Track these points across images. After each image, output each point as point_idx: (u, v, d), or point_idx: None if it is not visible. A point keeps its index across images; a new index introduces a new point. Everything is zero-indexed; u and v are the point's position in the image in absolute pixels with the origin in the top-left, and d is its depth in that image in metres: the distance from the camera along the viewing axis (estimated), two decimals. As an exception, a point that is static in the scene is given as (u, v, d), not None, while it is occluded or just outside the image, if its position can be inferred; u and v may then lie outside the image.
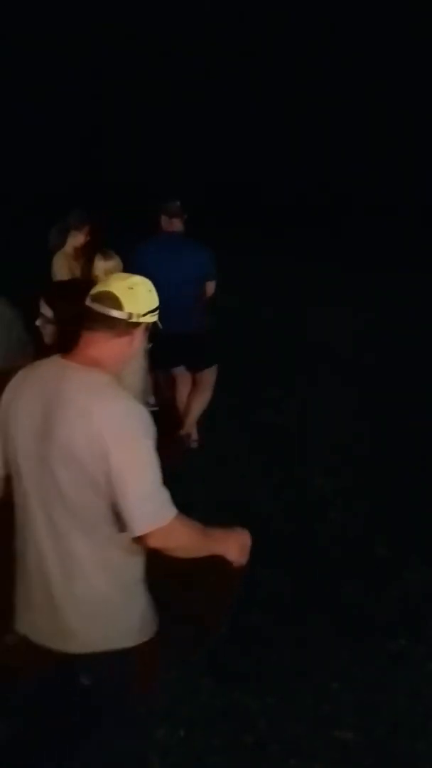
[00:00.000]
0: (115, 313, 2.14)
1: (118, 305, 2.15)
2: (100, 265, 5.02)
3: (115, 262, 4.85)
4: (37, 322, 2.84)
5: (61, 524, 2.14)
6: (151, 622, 2.32)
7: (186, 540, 2.17)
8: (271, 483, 5.09)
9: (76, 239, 5.36)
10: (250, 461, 5.44)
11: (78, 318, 2.23)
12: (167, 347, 4.23)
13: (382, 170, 14.85)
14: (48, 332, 2.81)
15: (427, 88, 14.98)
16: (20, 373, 2.29)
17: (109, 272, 5.05)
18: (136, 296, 2.18)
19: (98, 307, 2.15)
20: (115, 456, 2.03)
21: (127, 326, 2.16)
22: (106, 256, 4.87)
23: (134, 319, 2.17)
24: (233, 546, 2.34)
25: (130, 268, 4.76)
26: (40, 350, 3.00)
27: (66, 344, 2.29)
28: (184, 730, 3.03)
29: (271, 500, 4.86)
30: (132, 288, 2.18)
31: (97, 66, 16.09)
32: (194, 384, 5.61)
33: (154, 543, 2.10)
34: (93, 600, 2.18)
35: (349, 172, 15.10)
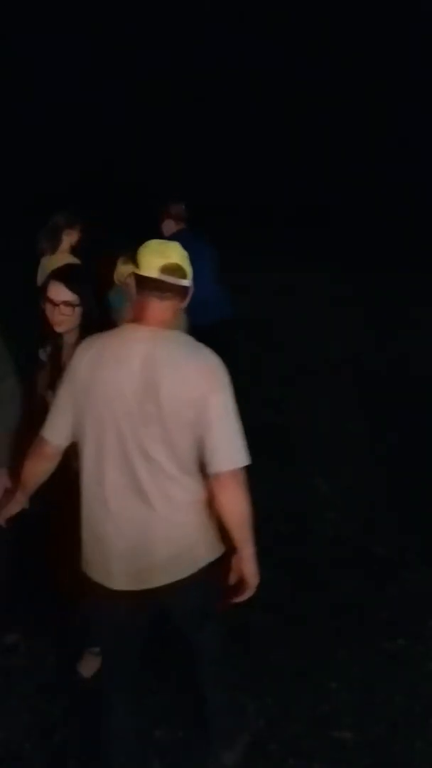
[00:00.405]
0: (184, 282, 2.48)
1: (184, 275, 2.47)
2: (124, 269, 5.12)
3: None
4: (51, 311, 2.96)
5: (163, 471, 2.40)
6: (218, 546, 2.61)
7: (245, 501, 2.52)
8: (270, 483, 5.09)
9: (72, 237, 5.31)
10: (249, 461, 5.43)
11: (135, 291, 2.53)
12: None
13: (382, 170, 14.84)
14: (75, 315, 2.96)
15: (428, 87, 14.98)
16: (91, 346, 2.50)
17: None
18: (189, 264, 2.51)
19: (171, 279, 2.45)
20: (212, 400, 2.37)
21: (187, 291, 2.51)
22: (127, 260, 5.01)
23: (190, 284, 2.51)
24: (252, 565, 2.59)
25: None
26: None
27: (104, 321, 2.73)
28: (183, 730, 3.03)
29: (270, 500, 4.85)
30: (186, 257, 2.50)
31: (97, 65, 16.10)
32: None
33: (227, 484, 2.43)
34: (183, 534, 2.48)
35: (349, 172, 15.10)
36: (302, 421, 6.15)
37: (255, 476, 5.36)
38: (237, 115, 15.94)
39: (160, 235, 5.40)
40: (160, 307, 2.47)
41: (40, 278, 5.14)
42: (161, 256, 2.47)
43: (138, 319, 2.50)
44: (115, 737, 2.69)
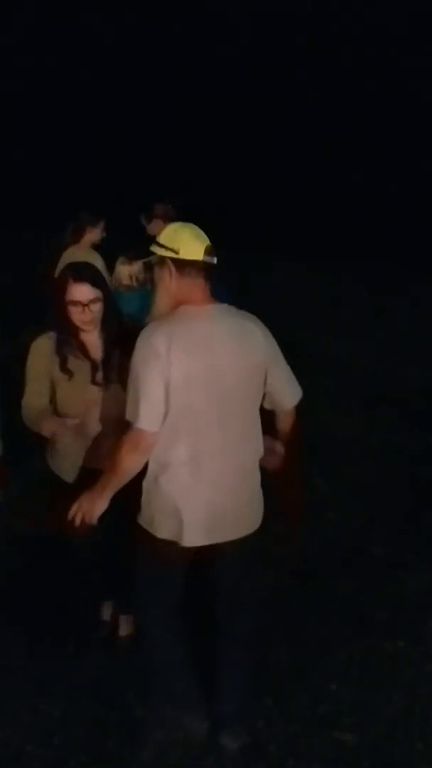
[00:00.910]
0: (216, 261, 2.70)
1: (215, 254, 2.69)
2: (125, 269, 5.24)
3: (138, 265, 5.18)
4: (78, 312, 3.01)
5: (248, 431, 2.77)
6: None
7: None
8: (269, 482, 5.09)
9: (94, 234, 5.39)
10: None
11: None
12: None
13: (383, 169, 14.84)
14: (96, 309, 3.05)
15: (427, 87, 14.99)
16: (161, 335, 2.59)
17: (133, 276, 5.30)
18: None
19: (213, 260, 2.68)
20: (270, 355, 2.80)
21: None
22: (129, 260, 5.29)
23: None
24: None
25: None
26: None
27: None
28: (182, 731, 3.02)
29: (268, 500, 4.85)
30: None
31: (98, 66, 16.09)
32: None
33: (294, 413, 3.00)
34: (256, 485, 2.88)
35: (350, 171, 15.09)
36: (302, 421, 6.14)
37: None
38: (237, 115, 15.93)
39: (148, 236, 5.39)
40: (206, 287, 2.68)
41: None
42: (202, 240, 2.67)
43: (189, 300, 2.66)
44: (172, 667, 2.94)
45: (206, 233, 2.73)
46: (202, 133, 15.86)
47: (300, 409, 3.06)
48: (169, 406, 2.59)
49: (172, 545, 2.71)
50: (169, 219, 5.29)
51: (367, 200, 14.66)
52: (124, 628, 3.52)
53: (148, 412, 2.57)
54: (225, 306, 2.75)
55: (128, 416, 2.62)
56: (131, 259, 5.25)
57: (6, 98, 15.67)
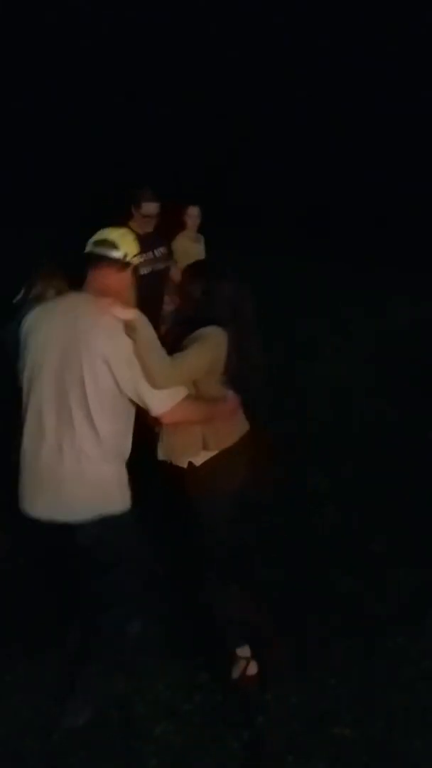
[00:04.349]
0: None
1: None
2: None
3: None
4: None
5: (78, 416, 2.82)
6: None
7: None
8: (269, 479, 5.09)
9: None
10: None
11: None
12: None
13: (382, 169, 14.83)
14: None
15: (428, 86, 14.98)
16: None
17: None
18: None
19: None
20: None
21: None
22: None
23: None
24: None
25: None
26: None
27: None
28: (181, 727, 3.03)
29: (269, 496, 4.86)
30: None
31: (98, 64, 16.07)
32: None
33: None
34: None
35: (350, 170, 15.09)
36: (300, 418, 6.15)
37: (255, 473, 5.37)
38: (236, 114, 15.92)
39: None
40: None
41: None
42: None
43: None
44: None
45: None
46: (203, 131, 15.86)
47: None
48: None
49: None
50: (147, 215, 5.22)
51: (367, 200, 14.66)
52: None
53: None
54: (80, 295, 2.95)
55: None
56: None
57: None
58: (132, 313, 2.76)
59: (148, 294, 3.38)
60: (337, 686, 3.28)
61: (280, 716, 3.10)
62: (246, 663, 3.24)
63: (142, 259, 3.10)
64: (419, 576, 4.06)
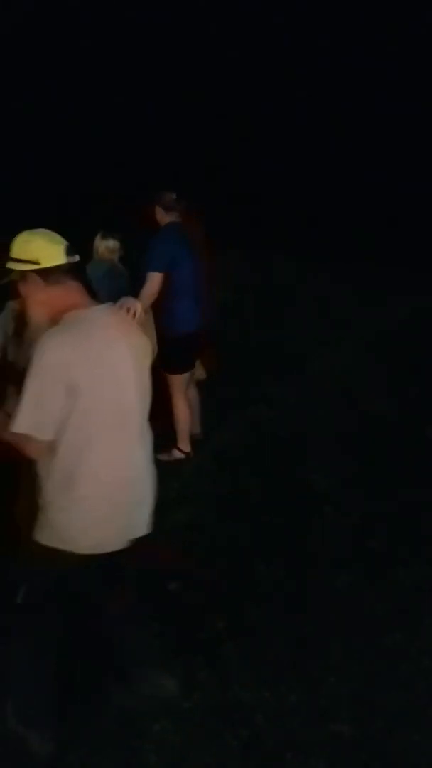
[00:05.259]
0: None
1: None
2: (101, 244, 5.86)
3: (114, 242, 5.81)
4: None
5: (135, 432, 2.80)
6: None
7: None
8: (267, 477, 5.10)
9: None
10: (246, 456, 5.45)
11: None
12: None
13: (382, 169, 14.83)
14: None
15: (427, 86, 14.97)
16: (63, 338, 2.59)
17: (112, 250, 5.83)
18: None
19: (75, 258, 2.69)
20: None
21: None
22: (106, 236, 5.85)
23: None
24: None
25: (158, 263, 5.09)
26: None
27: None
28: (180, 725, 3.03)
29: (266, 494, 4.87)
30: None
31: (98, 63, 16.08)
32: (190, 379, 5.47)
33: None
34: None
35: (350, 170, 15.08)
36: (298, 416, 6.16)
37: (251, 470, 5.42)
38: (236, 114, 15.92)
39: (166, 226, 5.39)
40: (80, 287, 2.70)
41: None
42: (58, 242, 2.64)
43: (70, 306, 2.62)
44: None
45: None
46: (203, 131, 15.86)
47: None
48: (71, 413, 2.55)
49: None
50: (170, 210, 5.27)
51: (367, 199, 14.66)
52: None
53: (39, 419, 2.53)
54: (106, 306, 2.75)
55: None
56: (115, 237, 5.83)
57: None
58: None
59: None
60: (336, 684, 3.28)
61: (279, 714, 3.11)
62: None
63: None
64: (418, 574, 4.07)
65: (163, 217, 5.23)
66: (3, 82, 15.68)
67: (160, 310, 5.07)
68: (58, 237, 2.64)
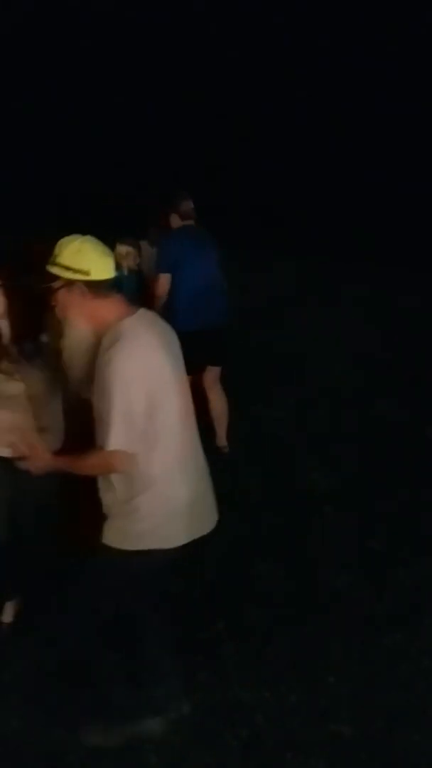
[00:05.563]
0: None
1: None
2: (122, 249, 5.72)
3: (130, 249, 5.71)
4: None
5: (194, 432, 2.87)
6: None
7: None
8: (268, 477, 5.10)
9: None
10: (246, 456, 5.45)
11: None
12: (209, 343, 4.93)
13: (382, 169, 14.83)
14: None
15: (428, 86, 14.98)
16: (129, 347, 2.56)
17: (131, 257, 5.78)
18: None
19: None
20: None
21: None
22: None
23: None
24: None
25: (163, 264, 5.20)
26: None
27: None
28: (180, 725, 3.03)
29: (267, 494, 4.87)
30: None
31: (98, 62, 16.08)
32: (210, 384, 5.41)
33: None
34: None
35: (350, 170, 15.09)
36: (299, 417, 6.16)
37: (252, 470, 5.41)
38: (236, 114, 15.92)
39: (160, 224, 5.42)
40: (121, 298, 2.73)
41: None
42: (108, 254, 2.63)
43: (113, 316, 2.63)
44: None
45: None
46: (203, 131, 15.86)
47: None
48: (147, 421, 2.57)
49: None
50: (187, 218, 5.30)
51: (367, 199, 14.66)
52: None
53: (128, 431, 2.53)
54: (144, 312, 2.72)
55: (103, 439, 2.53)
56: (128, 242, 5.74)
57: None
58: None
59: None
60: (336, 684, 3.28)
61: (279, 714, 3.11)
62: None
63: None
64: (418, 574, 4.07)
65: (178, 223, 5.28)
66: (3, 82, 15.68)
67: (162, 310, 5.08)
68: (107, 249, 2.62)
